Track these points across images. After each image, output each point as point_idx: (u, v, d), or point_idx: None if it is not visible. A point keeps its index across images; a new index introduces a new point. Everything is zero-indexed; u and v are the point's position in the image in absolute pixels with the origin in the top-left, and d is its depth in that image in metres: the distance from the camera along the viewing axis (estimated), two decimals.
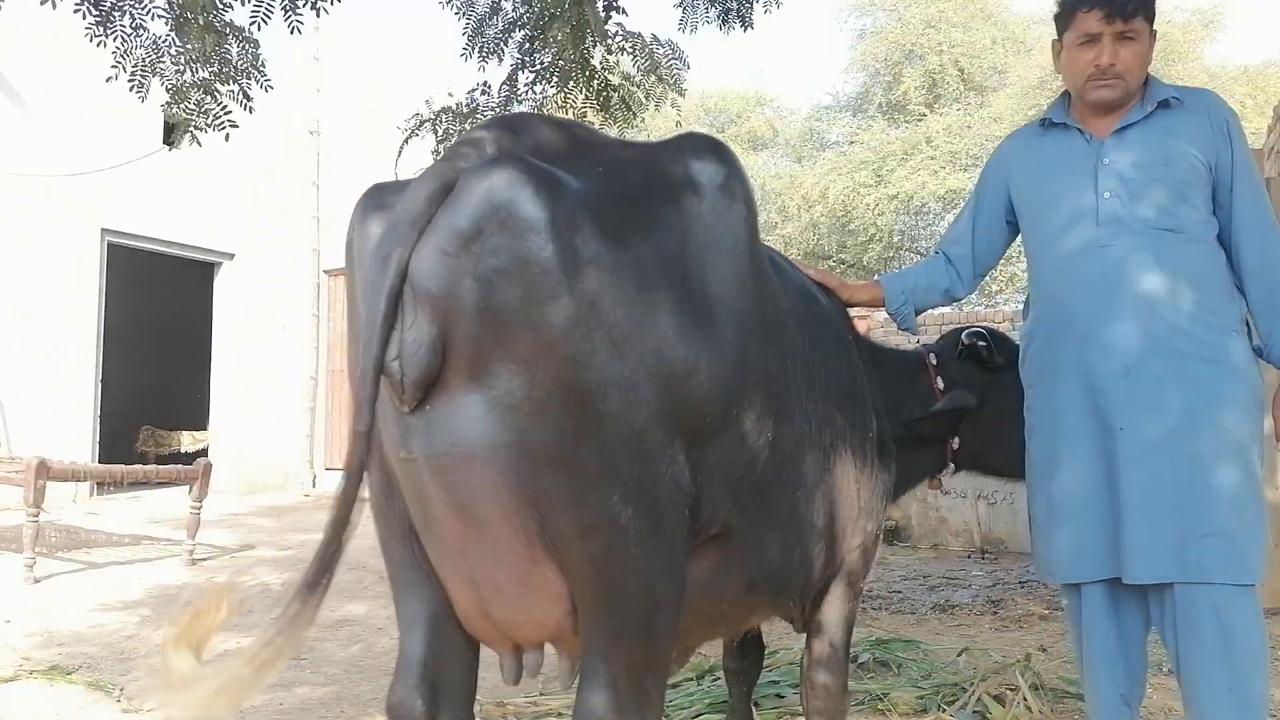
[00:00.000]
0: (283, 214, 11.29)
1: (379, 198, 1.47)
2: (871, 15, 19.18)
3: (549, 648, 1.59)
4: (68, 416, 8.91)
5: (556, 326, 1.28)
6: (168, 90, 3.59)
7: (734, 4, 4.30)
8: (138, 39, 3.46)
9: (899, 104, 18.03)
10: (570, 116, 4.31)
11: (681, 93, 4.31)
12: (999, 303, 16.83)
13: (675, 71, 4.18)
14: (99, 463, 8.87)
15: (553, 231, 1.28)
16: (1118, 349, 2.13)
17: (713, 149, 1.58)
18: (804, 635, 2.15)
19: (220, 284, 10.79)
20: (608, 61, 4.29)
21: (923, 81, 17.58)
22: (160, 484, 7.40)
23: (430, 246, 1.30)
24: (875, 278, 3.01)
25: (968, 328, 2.65)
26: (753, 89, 21.48)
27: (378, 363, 1.29)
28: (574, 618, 1.44)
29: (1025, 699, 3.03)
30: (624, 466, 1.35)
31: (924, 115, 16.47)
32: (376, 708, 3.29)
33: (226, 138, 3.80)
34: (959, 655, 3.75)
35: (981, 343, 2.56)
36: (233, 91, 3.63)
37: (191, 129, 3.69)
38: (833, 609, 2.10)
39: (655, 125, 12.35)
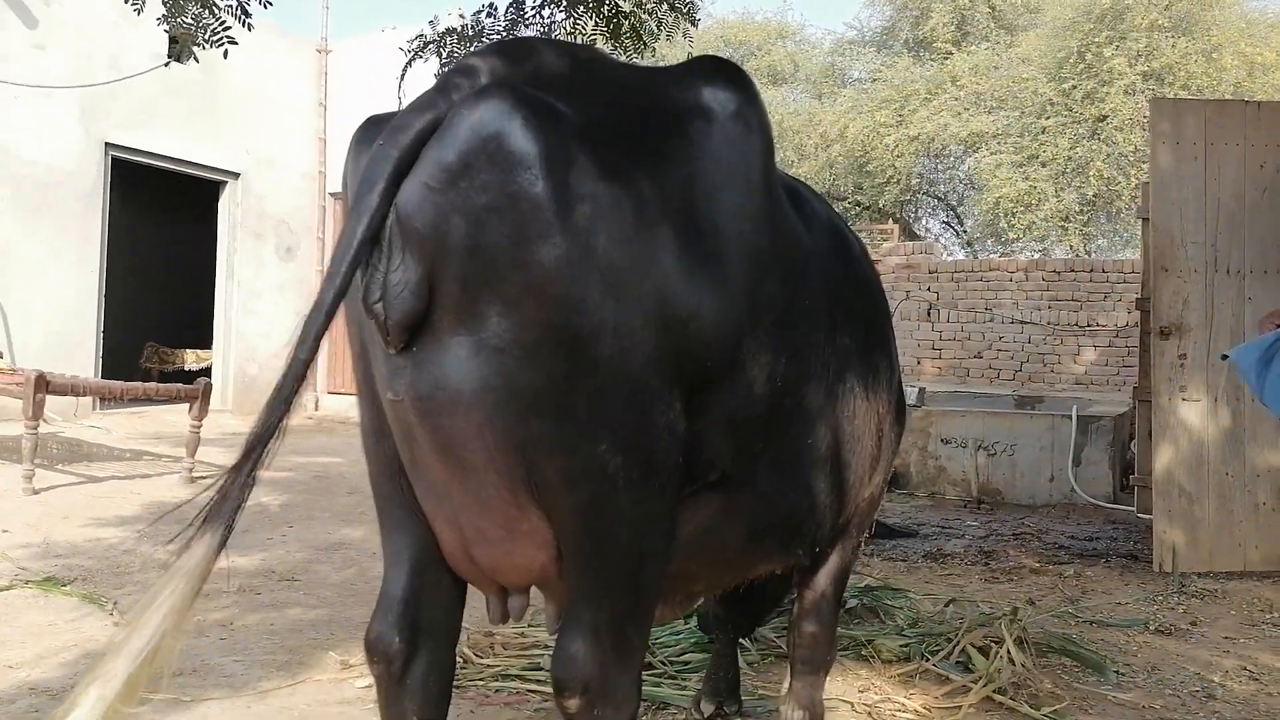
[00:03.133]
0: (289, 134, 11.12)
1: (374, 130, 1.39)
2: None
3: (535, 590, 1.56)
4: (71, 330, 8.92)
5: (547, 267, 1.23)
6: (164, 4, 3.47)
7: None
8: None
9: (925, 40, 17.52)
10: (578, 42, 4.17)
11: (695, 22, 4.15)
12: (1014, 251, 16.64)
13: (688, 0, 4.01)
14: (103, 377, 8.92)
15: (545, 166, 1.21)
16: None
17: (726, 73, 1.50)
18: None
19: (225, 203, 10.69)
20: None
21: (951, 18, 17.05)
22: (161, 400, 7.42)
23: (416, 182, 1.24)
24: None
25: None
26: (775, 21, 20.91)
27: (338, 295, 1.23)
28: (559, 563, 1.41)
29: (1009, 652, 3.04)
30: (616, 414, 1.30)
31: (950, 53, 16.02)
32: None
33: (225, 54, 3.69)
34: (946, 606, 3.77)
35: None
36: (230, 6, 3.50)
37: (189, 44, 3.57)
38: (830, 559, 2.07)
39: (670, 55, 12.06)
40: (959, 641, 3.16)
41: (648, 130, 1.38)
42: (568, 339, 1.25)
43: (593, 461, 1.30)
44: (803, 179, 12.54)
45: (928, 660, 3.07)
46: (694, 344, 1.36)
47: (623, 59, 4.41)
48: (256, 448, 1.25)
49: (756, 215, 1.46)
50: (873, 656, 3.14)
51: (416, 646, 1.47)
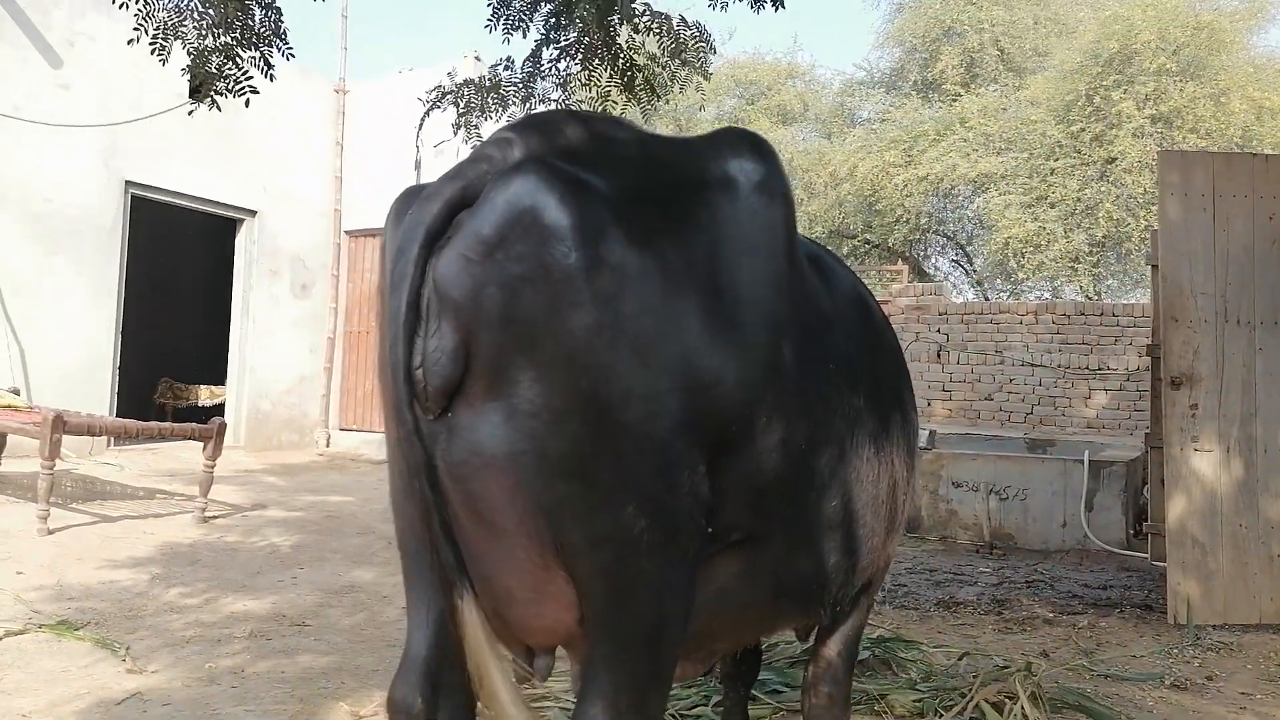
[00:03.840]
0: (306, 173, 11.28)
1: (409, 201, 1.45)
2: None
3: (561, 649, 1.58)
4: (88, 366, 9.00)
5: (579, 336, 1.27)
6: (189, 54, 3.56)
7: None
8: (160, 2, 3.42)
9: (934, 82, 17.69)
10: (593, 94, 4.25)
11: (707, 76, 4.23)
12: (1024, 290, 16.65)
13: (700, 55, 4.10)
14: (117, 413, 8.99)
15: (577, 238, 1.26)
16: None
17: (751, 145, 1.54)
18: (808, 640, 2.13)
19: (241, 240, 10.82)
20: (633, 41, 4.21)
21: (960, 60, 17.21)
22: (176, 438, 7.46)
23: (454, 253, 1.29)
24: None
25: None
26: (785, 62, 21.14)
27: (406, 361, 1.28)
28: (586, 625, 1.43)
29: (1024, 709, 3.01)
30: (641, 478, 1.33)
31: (959, 95, 16.16)
32: (378, 679, 3.32)
33: (247, 104, 3.77)
34: (960, 659, 3.74)
35: None
36: (254, 58, 3.59)
37: (212, 94, 3.66)
38: (847, 620, 2.07)
39: (682, 102, 12.19)
40: (973, 697, 3.13)
41: (674, 201, 1.43)
42: (597, 405, 1.29)
43: (618, 524, 1.33)
44: (813, 216, 12.56)
45: (941, 716, 3.04)
46: (718, 408, 1.38)
47: (637, 110, 4.49)
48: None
49: (779, 282, 1.49)
50: (885, 711, 3.12)
51: (438, 707, 1.48)
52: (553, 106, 4.43)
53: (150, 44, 3.48)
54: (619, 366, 1.29)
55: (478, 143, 4.53)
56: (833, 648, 2.08)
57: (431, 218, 1.31)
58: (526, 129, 1.44)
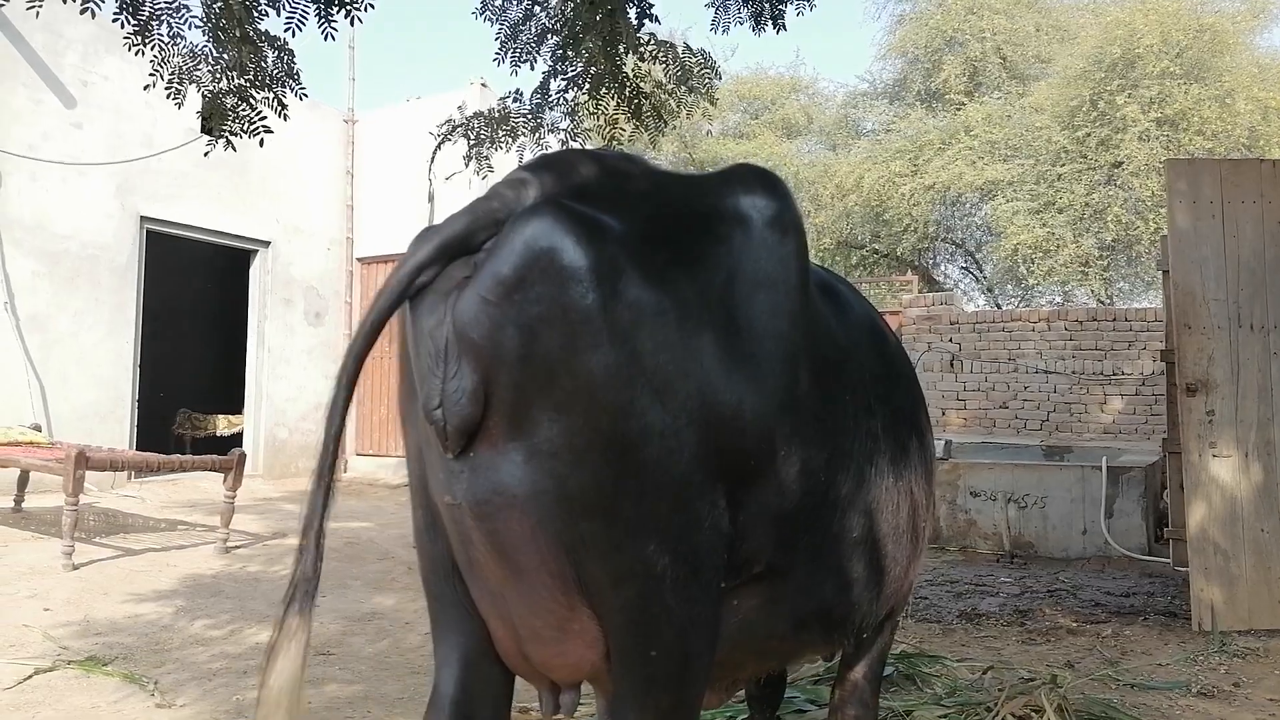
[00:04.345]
0: (317, 202, 11.40)
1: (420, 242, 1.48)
2: (912, 0, 18.87)
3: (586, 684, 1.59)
4: (107, 400, 9.09)
5: (597, 375, 1.28)
6: (203, 97, 3.63)
7: (766, 4, 4.25)
8: (175, 47, 3.49)
9: (938, 92, 17.73)
10: (601, 122, 4.30)
11: (714, 101, 4.28)
12: (1035, 295, 16.61)
13: (706, 81, 4.15)
14: (137, 445, 9.07)
15: (594, 279, 1.28)
16: None
17: (763, 181, 1.56)
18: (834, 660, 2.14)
19: (255, 271, 10.93)
20: (639, 69, 4.26)
21: (963, 69, 17.25)
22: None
23: (473, 294, 1.30)
24: None
25: None
26: (788, 75, 21.24)
27: (359, 357, 1.36)
28: (609, 661, 1.44)
29: None
30: (662, 514, 1.34)
31: (963, 104, 16.19)
32: (403, 708, 3.35)
33: (261, 143, 3.83)
34: (985, 673, 3.73)
35: None
36: (268, 99, 3.66)
37: (226, 135, 3.73)
38: (871, 642, 2.08)
39: (689, 124, 12.26)
40: (999, 711, 3.13)
41: (688, 237, 1.44)
42: (616, 443, 1.30)
43: (640, 561, 1.34)
44: (820, 228, 12.56)
45: None
46: (736, 442, 1.40)
47: (644, 137, 4.54)
48: (311, 530, 1.39)
49: (793, 315, 1.50)
50: None
51: None
52: (562, 136, 4.48)
53: (165, 89, 3.55)
54: (638, 404, 1.30)
55: (489, 173, 4.61)
56: (859, 670, 2.09)
57: (423, 254, 1.33)
58: (541, 169, 1.46)
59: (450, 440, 1.32)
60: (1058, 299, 16.30)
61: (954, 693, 3.42)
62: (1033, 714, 3.08)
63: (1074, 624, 4.71)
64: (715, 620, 1.46)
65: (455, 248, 1.34)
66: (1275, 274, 4.64)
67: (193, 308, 13.10)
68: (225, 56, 3.45)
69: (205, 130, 3.98)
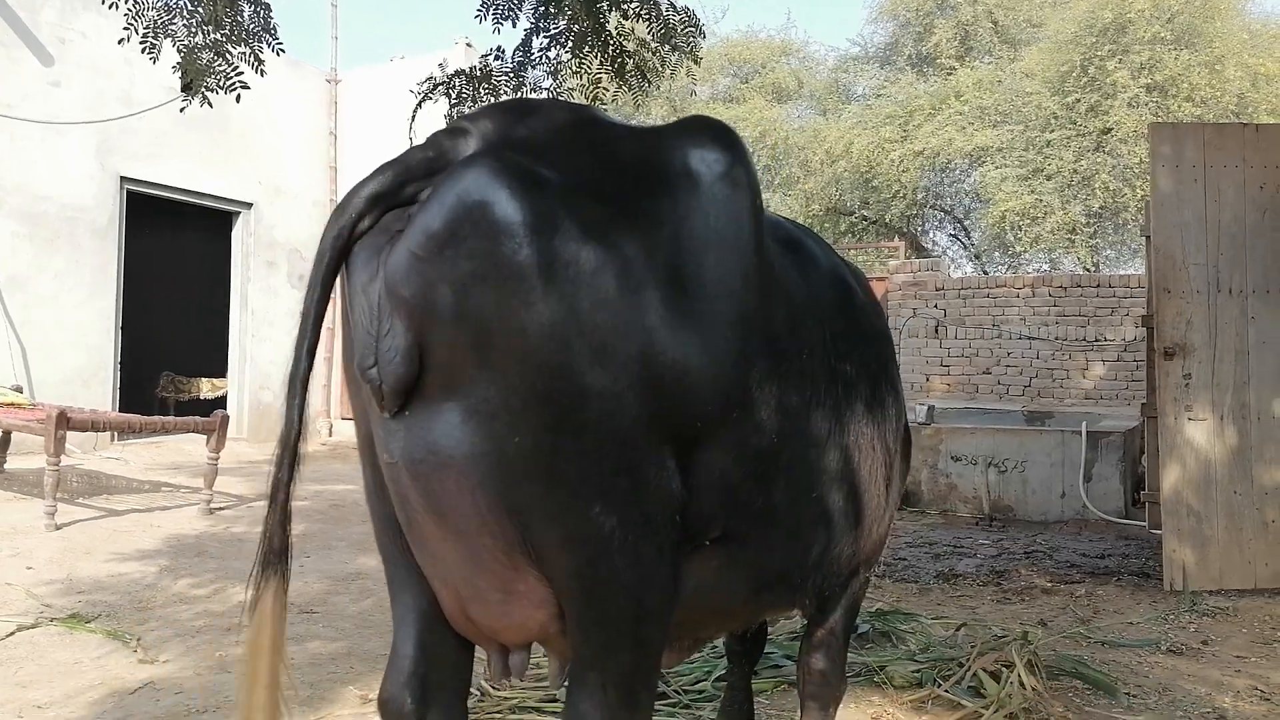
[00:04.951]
0: (300, 163, 11.28)
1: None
2: None
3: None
4: (90, 362, 9.05)
5: (532, 334, 1.24)
6: (179, 51, 3.57)
7: None
8: (149, 1, 3.43)
9: (929, 56, 17.58)
10: (584, 81, 4.25)
11: (697, 61, 4.23)
12: (1022, 263, 16.64)
13: (690, 39, 4.10)
14: (120, 407, 9.05)
15: (529, 234, 1.23)
16: None
17: (716, 134, 1.50)
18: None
19: (238, 233, 10.84)
20: (622, 27, 4.20)
21: (954, 33, 17.10)
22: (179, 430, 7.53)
23: (403, 250, 1.26)
24: None
25: None
26: (779, 39, 21.01)
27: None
28: (559, 621, 1.42)
29: (1020, 677, 3.07)
30: (607, 476, 1.30)
31: (954, 69, 16.08)
32: (385, 664, 3.38)
33: (238, 99, 3.78)
34: (958, 630, 3.80)
35: None
36: (244, 54, 3.60)
37: (202, 90, 3.67)
38: (839, 596, 2.06)
39: (676, 83, 12.15)
40: (970, 666, 3.18)
41: (634, 192, 1.39)
42: (555, 403, 1.26)
43: (586, 524, 1.31)
44: (809, 194, 12.49)
45: (939, 686, 3.10)
46: (683, 404, 1.35)
47: (628, 96, 4.49)
48: (280, 490, 1.38)
49: (746, 273, 1.45)
50: (885, 683, 3.18)
51: (428, 704, 1.49)
52: (544, 95, 4.43)
53: (140, 43, 3.49)
54: (576, 364, 1.26)
55: None
56: (826, 624, 2.08)
57: (353, 210, 1.30)
58: (483, 118, 1.41)
59: (386, 399, 1.29)
60: (1045, 266, 16.34)
61: (927, 649, 3.48)
62: (1004, 669, 3.14)
63: (1049, 584, 4.79)
64: (671, 581, 1.44)
65: (386, 199, 1.30)
66: (1255, 238, 4.67)
67: (175, 269, 12.97)
68: (200, 10, 3.39)
69: (185, 88, 3.92)
